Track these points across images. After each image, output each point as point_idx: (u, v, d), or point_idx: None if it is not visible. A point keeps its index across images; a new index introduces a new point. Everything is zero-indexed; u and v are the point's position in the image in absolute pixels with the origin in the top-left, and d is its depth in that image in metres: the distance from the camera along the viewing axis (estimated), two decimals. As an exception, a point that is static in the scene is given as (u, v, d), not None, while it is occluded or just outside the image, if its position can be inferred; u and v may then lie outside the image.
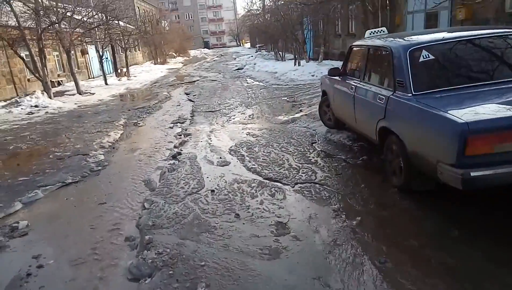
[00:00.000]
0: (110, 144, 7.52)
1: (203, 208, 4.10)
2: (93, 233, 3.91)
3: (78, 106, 12.78)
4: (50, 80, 18.76)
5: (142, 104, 12.60)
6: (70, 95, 15.53)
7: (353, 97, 4.90)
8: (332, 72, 5.69)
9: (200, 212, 4.01)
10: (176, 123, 9.18)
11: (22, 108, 11.63)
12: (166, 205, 4.28)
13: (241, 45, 71.60)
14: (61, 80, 19.60)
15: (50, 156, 6.77)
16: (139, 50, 37.89)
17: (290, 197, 4.16)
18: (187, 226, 3.74)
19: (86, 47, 20.59)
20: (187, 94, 14.34)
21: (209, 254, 3.20)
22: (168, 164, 5.91)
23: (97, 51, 23.65)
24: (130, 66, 33.04)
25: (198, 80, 19.16)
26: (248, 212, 3.90)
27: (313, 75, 14.36)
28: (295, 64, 18.56)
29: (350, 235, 3.26)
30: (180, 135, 7.76)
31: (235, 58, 34.13)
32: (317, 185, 4.39)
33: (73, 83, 20.80)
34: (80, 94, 15.45)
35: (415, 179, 3.64)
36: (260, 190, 4.41)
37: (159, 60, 33.61)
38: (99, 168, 6.04)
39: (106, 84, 18.91)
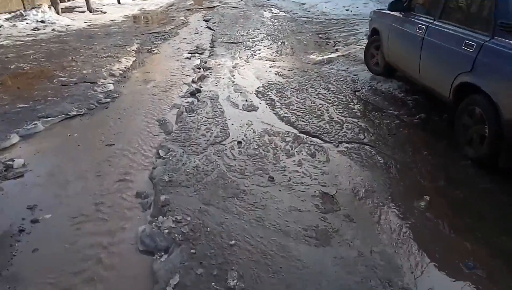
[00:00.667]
0: (120, 72, 6.71)
1: (229, 164, 3.42)
2: (99, 182, 3.31)
3: (88, 25, 11.71)
4: (59, -6, 17.46)
5: (157, 28, 11.47)
6: (79, 12, 14.32)
7: (421, 39, 3.93)
8: (395, 5, 4.61)
9: (225, 169, 3.34)
10: (194, 53, 8.23)
11: (27, 23, 10.64)
12: (185, 155, 3.61)
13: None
14: (71, -5, 18.13)
15: (54, 81, 6.03)
16: (154, -32, 35.04)
17: (334, 160, 3.45)
18: (211, 187, 3.09)
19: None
20: (206, 21, 13.06)
21: (239, 229, 2.58)
22: (186, 102, 5.17)
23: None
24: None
25: (218, 6, 17.56)
26: (285, 175, 3.22)
27: (347, 10, 12.85)
28: (325, -4, 16.75)
29: (419, 221, 2.58)
30: (199, 68, 6.89)
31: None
32: (367, 146, 3.64)
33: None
34: (90, 11, 14.23)
35: (505, 153, 2.86)
36: (297, 147, 3.69)
37: (175, -19, 31.21)
38: (108, 100, 5.32)
39: (119, 3, 17.46)
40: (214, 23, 12.33)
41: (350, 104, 4.73)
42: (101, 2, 17.78)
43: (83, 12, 14.26)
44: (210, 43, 9.18)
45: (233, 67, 6.83)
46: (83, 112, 4.86)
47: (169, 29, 11.28)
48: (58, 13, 11.95)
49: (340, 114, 4.43)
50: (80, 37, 9.65)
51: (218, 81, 6.02)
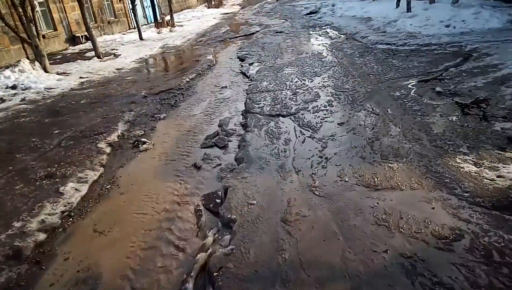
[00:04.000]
0: (43, 236, 2.99)
1: None
2: None
3: (80, 82, 8.36)
4: (75, 35, 14.70)
5: (171, 81, 7.82)
6: (86, 58, 11.19)
7: None
8: None
9: None
10: (212, 146, 4.39)
11: (-6, 91, 7.49)
12: None
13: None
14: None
15: None
16: (192, -9, 32.38)
17: None
18: None
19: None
20: (240, 59, 9.24)
21: None
22: None
23: (139, -6, 19.00)
24: (181, 10, 28.07)
25: (257, 31, 13.75)
26: None
27: (447, 26, 8.36)
28: (398, 6, 12.26)
29: None
30: (213, 214, 2.97)
31: (302, -2, 27.34)
32: None
33: (107, 36, 16.62)
34: (98, 56, 11.03)
35: None
36: None
37: (213, 3, 28.03)
38: None
39: (141, 38, 14.29)
40: (252, 63, 8.45)
41: None
42: (122, 40, 14.76)
43: (90, 58, 11.11)
44: (242, 116, 5.27)
45: (284, 221, 2.79)
46: None
47: (187, 82, 7.57)
48: (45, 69, 8.73)
49: None
50: (47, 116, 6.15)
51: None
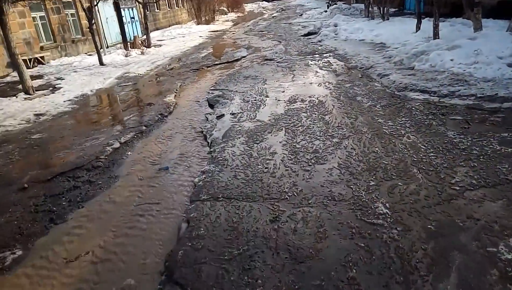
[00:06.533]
0: None
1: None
2: None
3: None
4: (24, 59, 11.81)
5: (91, 146, 4.91)
6: (10, 94, 8.25)
7: None
8: None
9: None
10: None
11: None
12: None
13: (305, -4, 59.52)
14: (43, 57, 12.38)
15: None
16: (182, 6, 29.78)
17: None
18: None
19: (94, 2, 12.61)
20: (210, 105, 6.38)
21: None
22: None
23: (118, 8, 16.05)
24: (169, 26, 25.38)
25: (243, 56, 10.93)
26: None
27: (511, 66, 5.51)
28: (418, 29, 9.46)
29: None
30: None
31: (301, 15, 24.66)
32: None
33: (67, 58, 13.77)
34: (27, 92, 8.12)
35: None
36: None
37: (203, 19, 25.26)
38: None
39: (101, 63, 11.40)
40: (221, 116, 5.56)
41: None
42: (79, 64, 11.87)
43: (16, 94, 8.17)
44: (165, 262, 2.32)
45: None
46: None
47: (114, 150, 4.68)
48: None
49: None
50: None
51: None
